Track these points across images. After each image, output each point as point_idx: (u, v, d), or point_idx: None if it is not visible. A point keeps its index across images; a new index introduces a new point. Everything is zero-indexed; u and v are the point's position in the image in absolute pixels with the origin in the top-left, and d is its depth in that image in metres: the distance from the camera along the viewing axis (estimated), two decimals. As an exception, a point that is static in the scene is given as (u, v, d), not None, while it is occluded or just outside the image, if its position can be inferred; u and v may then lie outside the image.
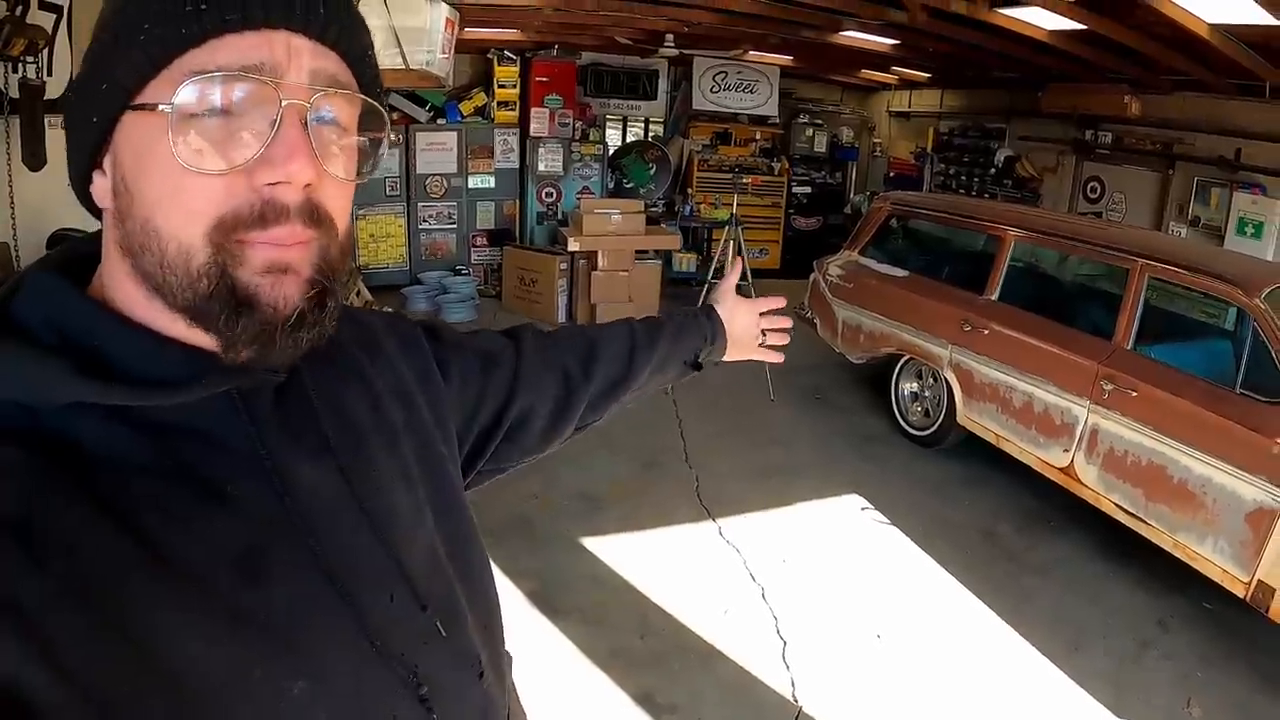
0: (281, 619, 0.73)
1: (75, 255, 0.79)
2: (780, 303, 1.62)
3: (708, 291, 7.67)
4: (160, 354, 0.72)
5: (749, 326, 1.57)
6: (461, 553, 0.97)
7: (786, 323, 1.63)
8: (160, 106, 0.67)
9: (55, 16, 3.73)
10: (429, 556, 0.91)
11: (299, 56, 0.70)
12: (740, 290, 1.62)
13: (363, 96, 0.76)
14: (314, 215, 0.72)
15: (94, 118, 0.71)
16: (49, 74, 3.68)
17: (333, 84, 0.72)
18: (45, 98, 3.65)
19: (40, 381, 0.67)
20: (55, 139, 3.78)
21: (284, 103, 0.68)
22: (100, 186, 0.73)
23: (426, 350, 1.06)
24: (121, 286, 0.73)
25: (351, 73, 0.76)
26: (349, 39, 0.75)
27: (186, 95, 0.66)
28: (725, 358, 1.56)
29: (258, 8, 0.67)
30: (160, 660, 0.64)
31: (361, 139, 0.78)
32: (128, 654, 0.62)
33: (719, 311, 1.53)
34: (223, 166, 0.67)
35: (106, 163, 0.72)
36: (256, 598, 0.71)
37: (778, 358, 1.65)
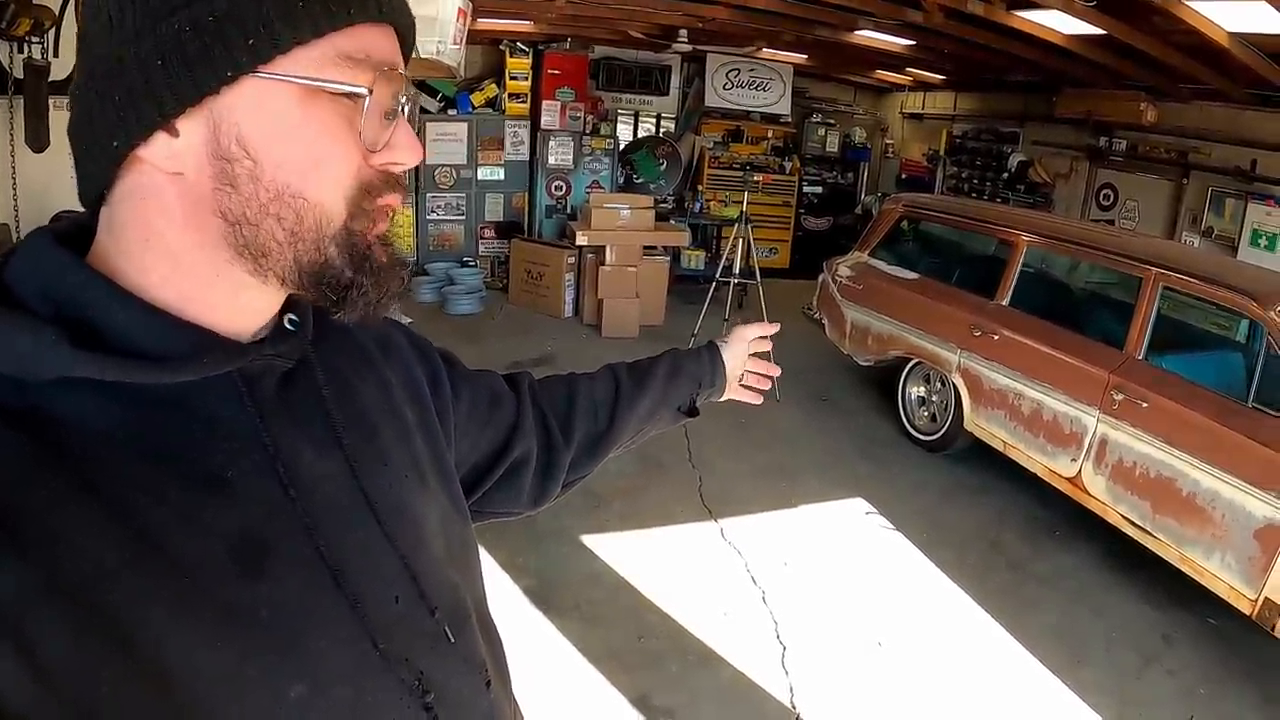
0: (280, 616, 0.69)
1: (75, 225, 0.74)
2: (773, 328, 1.55)
3: (715, 289, 7.69)
4: (162, 328, 0.69)
5: (737, 368, 1.51)
6: (463, 556, 0.95)
7: (775, 370, 1.57)
8: (327, 84, 0.69)
9: (63, -3, 3.70)
10: (436, 557, 0.87)
11: (399, 52, 0.76)
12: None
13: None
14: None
15: (206, 75, 0.65)
16: (54, 54, 3.65)
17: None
18: (50, 78, 3.62)
19: (31, 353, 0.63)
20: (58, 120, 3.75)
21: (404, 97, 0.74)
22: (167, 149, 0.67)
23: (440, 365, 1.06)
24: (147, 257, 0.69)
25: None
26: (412, 36, 0.79)
27: (353, 77, 0.70)
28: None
29: (385, 2, 0.73)
30: (149, 660, 0.60)
31: None
32: (114, 653, 0.59)
33: (724, 351, 1.48)
34: (363, 146, 0.72)
35: (190, 124, 0.66)
36: (254, 592, 0.68)
37: (756, 399, 1.56)
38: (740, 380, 1.53)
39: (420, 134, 9.35)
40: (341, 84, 0.69)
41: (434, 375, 1.03)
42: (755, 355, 1.53)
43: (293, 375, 0.80)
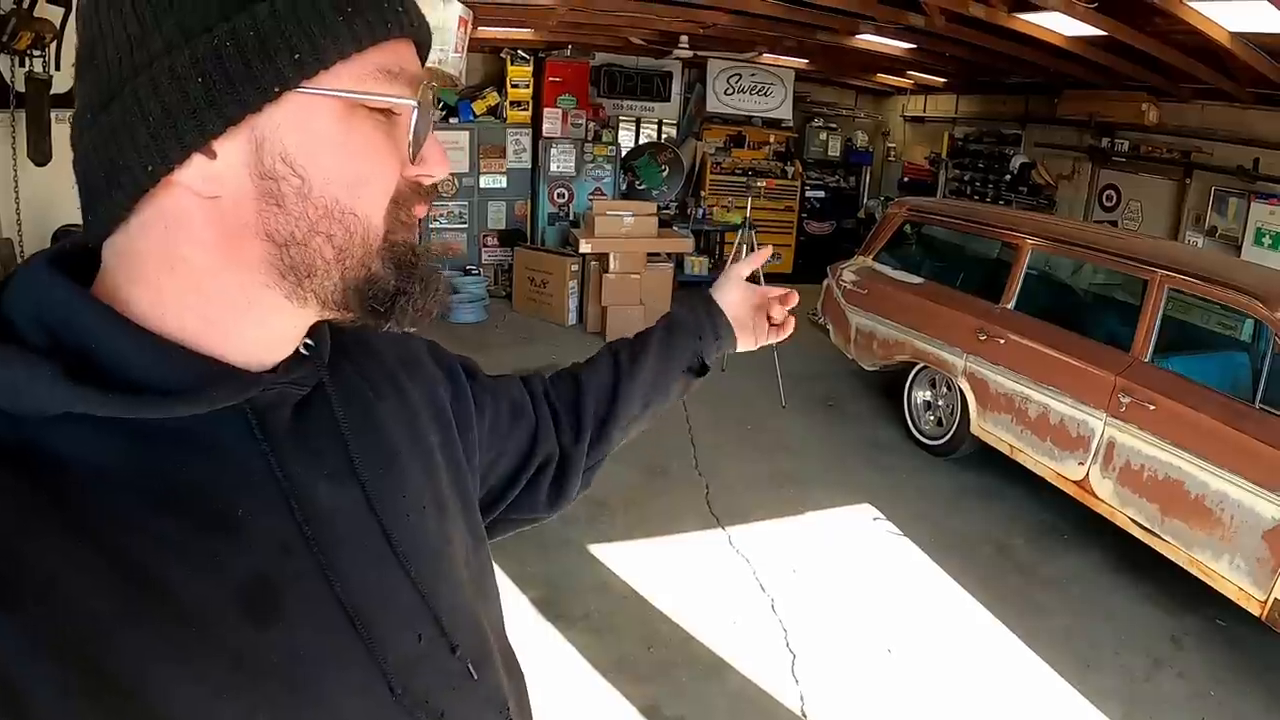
0: (293, 663, 0.66)
1: (75, 247, 0.69)
2: (765, 253, 1.43)
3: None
4: (167, 359, 0.64)
5: (737, 306, 1.33)
6: (481, 583, 0.92)
7: (793, 298, 1.35)
8: (372, 97, 0.67)
9: (64, 10, 3.70)
10: (456, 589, 0.84)
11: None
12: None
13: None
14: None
15: (251, 92, 0.62)
16: (56, 68, 3.65)
17: None
18: (51, 92, 3.62)
19: (27, 387, 0.59)
20: (61, 133, 3.75)
21: (432, 110, 0.73)
22: (204, 171, 0.63)
23: (462, 378, 1.02)
24: (165, 286, 0.65)
25: None
26: (428, 51, 0.77)
27: (392, 91, 0.68)
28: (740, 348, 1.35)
29: (414, 16, 0.71)
30: (153, 716, 0.57)
31: None
32: (116, 709, 0.55)
33: (720, 299, 1.32)
34: (401, 159, 0.71)
35: (229, 144, 0.63)
36: (265, 639, 0.65)
37: (784, 333, 1.37)
38: (755, 321, 1.35)
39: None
40: (389, 97, 0.68)
41: (456, 390, 0.99)
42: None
43: (308, 402, 0.76)
